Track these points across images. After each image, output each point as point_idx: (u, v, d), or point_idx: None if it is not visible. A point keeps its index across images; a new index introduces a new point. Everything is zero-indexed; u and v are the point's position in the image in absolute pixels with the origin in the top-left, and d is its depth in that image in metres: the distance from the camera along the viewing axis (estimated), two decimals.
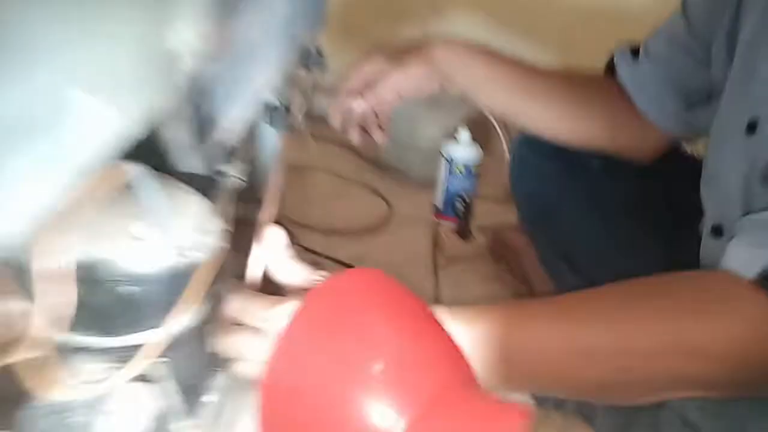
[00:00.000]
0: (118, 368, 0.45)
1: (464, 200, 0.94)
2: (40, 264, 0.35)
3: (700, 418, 0.33)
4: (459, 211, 0.93)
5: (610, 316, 0.37)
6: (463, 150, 0.96)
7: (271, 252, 0.39)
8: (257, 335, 0.36)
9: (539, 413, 0.22)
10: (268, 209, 0.47)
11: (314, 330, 0.27)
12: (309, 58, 0.65)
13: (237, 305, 0.39)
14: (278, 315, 0.34)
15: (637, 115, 0.64)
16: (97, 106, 0.25)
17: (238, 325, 0.39)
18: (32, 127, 0.21)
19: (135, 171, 0.36)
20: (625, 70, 0.64)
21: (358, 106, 0.64)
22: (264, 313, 0.35)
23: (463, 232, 0.91)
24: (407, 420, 0.21)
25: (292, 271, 0.38)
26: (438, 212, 0.99)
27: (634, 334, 0.36)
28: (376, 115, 0.66)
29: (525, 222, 0.77)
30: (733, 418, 0.32)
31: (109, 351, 0.43)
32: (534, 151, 0.73)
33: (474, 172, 0.97)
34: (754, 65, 0.48)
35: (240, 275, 0.44)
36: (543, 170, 0.72)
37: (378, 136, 0.67)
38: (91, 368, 0.44)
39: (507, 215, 0.85)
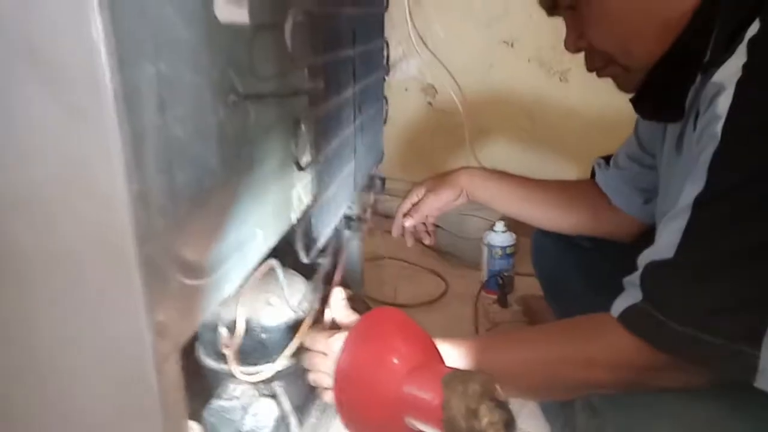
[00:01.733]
0: (254, 389, 0.71)
1: (502, 277, 1.17)
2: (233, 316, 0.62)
3: (599, 402, 0.53)
4: (499, 285, 1.16)
5: (533, 343, 0.58)
6: (500, 237, 1.20)
7: (334, 303, 0.66)
8: (323, 356, 0.61)
9: (453, 371, 0.45)
10: (337, 279, 0.74)
11: (359, 340, 0.53)
12: (373, 181, 0.94)
13: (311, 337, 0.64)
14: (335, 341, 0.59)
15: (613, 208, 0.86)
16: (260, 234, 0.52)
17: (312, 350, 0.64)
18: (244, 244, 0.49)
19: (273, 263, 0.63)
20: (600, 176, 0.87)
21: (408, 223, 0.91)
22: (326, 341, 0.61)
23: (503, 302, 1.13)
24: (405, 372, 0.46)
25: (346, 316, 0.64)
26: (484, 287, 1.21)
27: (544, 353, 0.56)
28: (425, 225, 0.94)
29: (543, 291, 0.99)
30: (623, 400, 0.52)
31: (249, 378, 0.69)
32: (545, 237, 0.96)
33: (510, 253, 1.20)
34: (667, 180, 0.69)
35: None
36: (550, 252, 0.95)
37: (426, 240, 0.95)
38: (237, 389, 0.70)
39: (538, 286, 1.06)
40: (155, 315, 0.35)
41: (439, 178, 0.91)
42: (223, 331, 0.62)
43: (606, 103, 1.31)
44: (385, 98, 0.93)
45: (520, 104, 1.50)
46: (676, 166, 0.64)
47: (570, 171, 1.44)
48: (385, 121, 0.93)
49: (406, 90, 1.62)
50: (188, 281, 0.38)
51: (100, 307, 0.35)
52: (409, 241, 0.94)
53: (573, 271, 0.91)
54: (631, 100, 0.65)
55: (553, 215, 0.89)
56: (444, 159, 1.63)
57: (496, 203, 0.91)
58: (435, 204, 0.90)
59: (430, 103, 1.62)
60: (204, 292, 0.41)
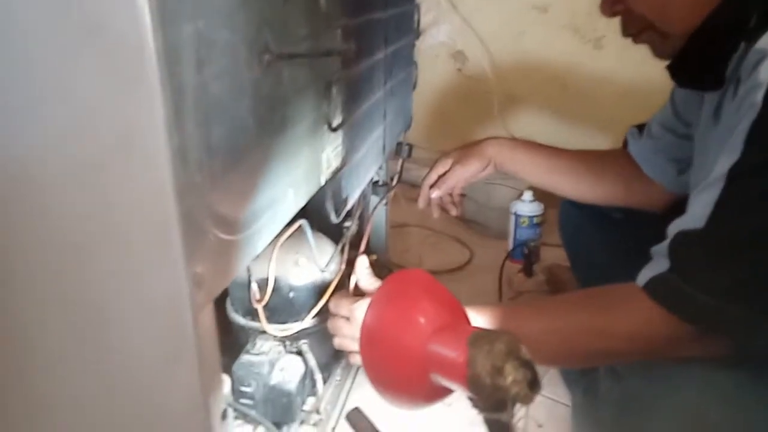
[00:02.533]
0: (281, 346, 0.74)
1: (528, 246, 1.17)
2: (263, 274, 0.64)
3: (622, 368, 0.54)
4: (525, 255, 1.16)
5: (557, 312, 0.58)
6: (527, 206, 1.20)
7: (359, 270, 0.67)
8: (346, 320, 0.63)
9: (479, 330, 0.46)
10: (363, 245, 0.75)
11: (385, 299, 0.54)
12: (400, 148, 0.94)
13: (335, 302, 0.66)
14: (359, 307, 0.60)
15: (645, 178, 0.84)
16: (291, 193, 0.54)
17: (338, 314, 0.66)
18: (275, 203, 0.50)
19: (303, 223, 0.65)
20: (633, 145, 0.86)
21: (435, 194, 0.91)
22: (351, 305, 0.62)
23: (528, 271, 1.13)
24: (431, 331, 0.47)
25: (370, 282, 0.65)
26: (509, 256, 1.21)
27: (568, 322, 0.56)
28: (451, 197, 0.93)
29: (570, 262, 0.99)
30: (645, 367, 0.53)
31: (275, 334, 0.71)
32: (573, 208, 0.95)
33: (537, 223, 1.20)
34: (703, 151, 0.67)
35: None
36: (578, 222, 0.94)
37: (453, 212, 0.95)
38: (265, 345, 0.73)
39: (564, 256, 1.06)
40: (193, 266, 0.36)
41: (466, 149, 0.90)
42: (255, 287, 0.64)
43: (641, 70, 1.27)
44: (415, 63, 0.92)
45: (552, 72, 1.47)
46: (712, 135, 0.62)
47: (602, 140, 1.41)
48: (414, 87, 0.92)
49: (435, 56, 1.60)
50: (223, 236, 0.40)
51: (142, 259, 0.36)
52: (436, 212, 0.94)
53: (601, 242, 0.91)
54: (668, 68, 0.64)
55: (583, 186, 0.88)
56: (472, 127, 1.62)
57: (524, 173, 0.90)
58: (462, 175, 0.89)
59: (459, 70, 1.60)
60: (238, 247, 0.42)
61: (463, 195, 0.95)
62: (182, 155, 0.34)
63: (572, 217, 0.96)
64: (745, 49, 0.52)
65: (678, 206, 0.84)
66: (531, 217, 1.19)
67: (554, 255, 1.20)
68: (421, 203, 0.94)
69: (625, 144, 0.89)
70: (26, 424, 0.47)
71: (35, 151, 0.36)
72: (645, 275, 0.53)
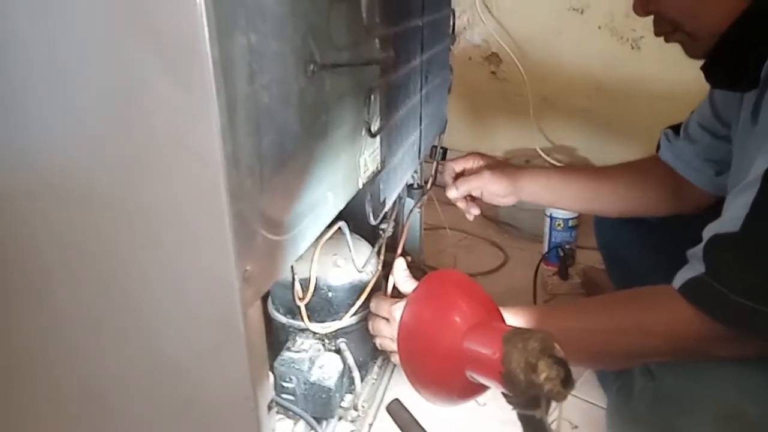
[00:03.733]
0: (320, 344, 0.76)
1: (564, 249, 1.16)
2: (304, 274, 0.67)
3: (655, 367, 0.54)
4: (560, 258, 1.15)
5: (593, 313, 0.59)
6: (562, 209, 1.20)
7: (397, 272, 0.69)
8: (386, 321, 0.65)
9: (514, 329, 0.47)
10: (399, 248, 0.77)
11: (422, 298, 0.55)
12: (435, 151, 0.96)
13: (375, 303, 0.68)
14: (398, 308, 0.62)
15: (682, 183, 0.84)
16: (331, 196, 0.56)
17: (377, 315, 0.68)
18: (317, 205, 0.52)
19: (342, 225, 0.67)
20: (667, 149, 0.85)
21: (452, 195, 0.89)
22: (390, 307, 0.64)
23: (563, 274, 1.13)
24: (466, 329, 0.48)
25: (407, 284, 0.67)
26: (544, 259, 1.21)
27: (605, 322, 0.57)
28: (472, 197, 0.90)
29: (605, 264, 0.98)
30: (679, 366, 0.53)
31: (316, 332, 0.73)
32: None
33: (572, 225, 1.20)
34: (741, 152, 0.67)
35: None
36: (613, 225, 0.93)
37: (472, 211, 0.91)
38: (305, 342, 0.75)
39: (599, 259, 1.06)
40: (243, 264, 0.39)
41: (502, 164, 0.89)
42: (298, 286, 0.67)
43: (681, 73, 1.25)
44: (450, 67, 0.93)
45: (588, 74, 1.46)
46: (750, 137, 0.62)
47: (639, 144, 1.39)
48: (449, 91, 0.93)
49: (469, 59, 1.61)
50: (270, 236, 0.42)
51: (197, 256, 0.39)
52: (461, 204, 0.92)
53: (637, 244, 0.90)
54: (702, 68, 0.63)
55: (626, 204, 0.87)
56: (507, 130, 1.62)
57: (561, 206, 0.90)
58: (484, 187, 0.86)
59: (493, 73, 1.61)
60: (283, 247, 0.45)
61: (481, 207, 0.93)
62: (235, 160, 0.37)
63: (607, 220, 0.95)
64: None
65: (715, 208, 0.84)
66: (566, 220, 1.19)
67: (589, 257, 1.19)
68: (448, 191, 0.90)
69: (659, 147, 0.88)
70: (77, 410, 0.51)
71: (90, 146, 0.39)
72: (681, 277, 0.54)
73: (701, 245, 0.53)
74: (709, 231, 0.53)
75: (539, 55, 1.51)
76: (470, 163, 0.90)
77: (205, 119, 0.35)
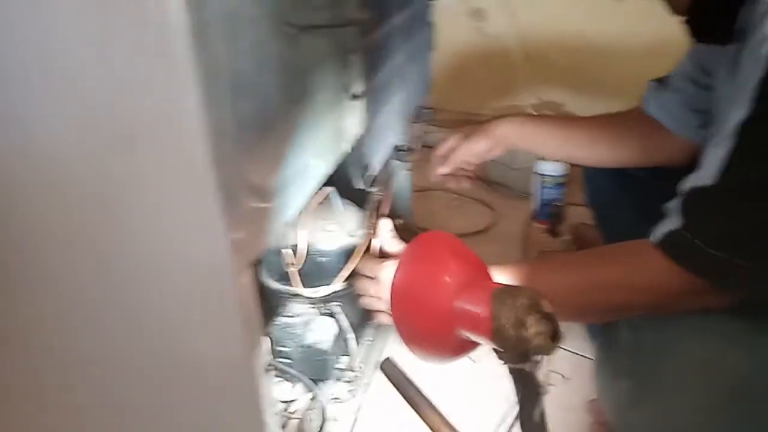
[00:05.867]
0: (314, 309, 0.77)
1: (553, 206, 1.17)
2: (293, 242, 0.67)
3: (638, 320, 0.55)
4: (549, 215, 1.16)
5: (571, 268, 0.60)
6: (551, 166, 1.20)
7: (382, 233, 0.69)
8: (372, 280, 0.66)
9: (502, 286, 0.48)
10: (384, 209, 0.77)
11: (412, 260, 0.56)
12: (420, 112, 0.95)
13: (361, 263, 0.69)
14: (383, 268, 0.63)
15: (666, 133, 0.84)
16: (316, 162, 0.56)
17: (364, 275, 0.68)
18: (302, 171, 0.52)
19: (329, 191, 0.67)
20: (652, 101, 0.85)
21: (441, 171, 0.92)
22: (376, 266, 0.65)
23: (554, 232, 1.14)
24: (456, 288, 0.49)
25: (392, 244, 0.67)
26: (534, 217, 1.22)
27: (585, 277, 0.58)
28: (464, 170, 0.93)
29: (595, 222, 0.99)
30: (661, 319, 0.54)
31: (308, 296, 0.74)
32: (596, 169, 0.95)
33: (561, 183, 1.20)
34: (722, 106, 0.67)
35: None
36: (602, 181, 0.94)
37: (464, 184, 0.95)
38: (299, 307, 0.76)
39: (589, 215, 1.07)
40: (231, 232, 0.39)
41: (475, 127, 0.90)
42: (288, 252, 0.67)
43: (667, 26, 1.24)
44: (433, 24, 0.92)
45: (575, 28, 1.44)
46: (729, 89, 0.62)
47: (627, 98, 1.38)
48: (432, 49, 0.92)
49: (453, 15, 1.58)
50: (257, 204, 0.42)
51: (186, 227, 0.39)
52: (450, 184, 0.95)
53: (625, 200, 0.91)
54: (684, 23, 0.63)
55: (601, 153, 0.87)
56: (494, 86, 1.61)
57: (540, 150, 0.91)
58: (468, 152, 0.89)
59: (478, 29, 1.58)
60: (270, 214, 0.45)
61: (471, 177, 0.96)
62: (216, 129, 0.36)
63: (596, 176, 0.96)
64: (753, 1, 0.52)
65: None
66: (555, 177, 1.19)
67: (579, 214, 1.20)
68: (433, 176, 0.95)
69: (643, 101, 0.88)
70: (72, 378, 0.51)
71: (75, 126, 0.38)
72: (659, 231, 0.54)
73: (679, 198, 0.54)
74: (686, 184, 0.53)
75: (525, 8, 1.49)
76: (451, 143, 0.91)
77: (185, 88, 0.34)
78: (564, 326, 0.45)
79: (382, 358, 0.83)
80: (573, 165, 1.19)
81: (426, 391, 0.74)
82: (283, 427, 0.69)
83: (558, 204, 1.19)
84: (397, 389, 0.55)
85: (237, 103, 0.38)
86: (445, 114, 1.22)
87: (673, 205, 0.55)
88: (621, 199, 0.92)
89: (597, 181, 0.96)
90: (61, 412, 0.53)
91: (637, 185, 0.90)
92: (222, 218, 0.38)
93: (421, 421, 0.53)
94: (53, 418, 0.54)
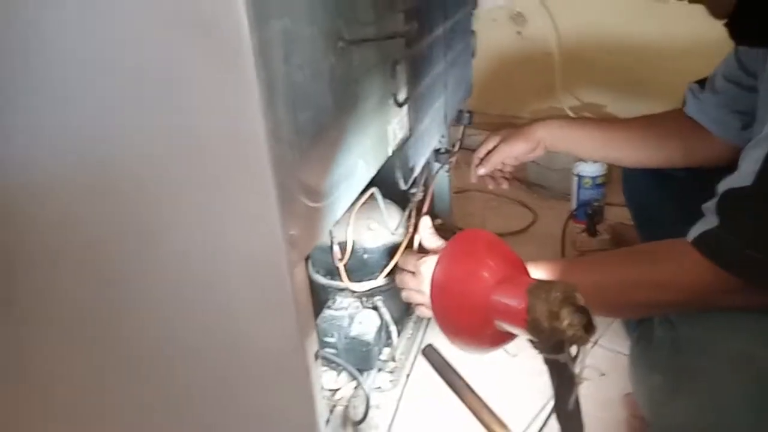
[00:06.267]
0: (358, 302, 0.81)
1: (592, 206, 1.18)
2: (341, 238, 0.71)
3: (675, 318, 0.57)
4: (588, 215, 1.17)
5: (609, 266, 0.62)
6: (590, 167, 1.20)
7: (422, 230, 0.73)
8: (412, 274, 0.69)
9: (537, 281, 0.50)
10: (426, 208, 0.81)
11: (452, 257, 0.59)
12: (461, 115, 0.98)
13: (402, 258, 0.72)
14: (423, 263, 0.66)
15: (706, 135, 0.84)
16: (363, 164, 0.59)
17: (404, 269, 0.72)
18: (350, 174, 0.56)
19: (375, 191, 0.71)
20: (693, 104, 0.85)
21: (481, 171, 0.96)
22: (416, 261, 0.68)
23: (592, 231, 1.15)
24: (494, 283, 0.52)
25: (433, 241, 0.71)
26: (573, 217, 1.23)
27: (620, 275, 0.60)
28: (502, 172, 0.98)
29: (634, 221, 1.00)
30: (697, 316, 0.55)
31: (354, 291, 0.78)
32: (636, 169, 0.96)
33: (600, 183, 1.21)
34: (765, 107, 0.67)
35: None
36: (641, 181, 0.95)
37: (504, 185, 1.00)
38: (344, 301, 0.81)
39: (628, 215, 1.07)
40: (288, 229, 0.43)
41: (515, 129, 0.93)
42: (336, 248, 0.71)
43: (708, 28, 1.23)
44: (474, 32, 0.95)
45: (615, 30, 1.44)
46: None
47: (669, 101, 1.37)
48: (473, 55, 0.95)
49: (493, 20, 1.60)
50: (310, 203, 0.46)
51: (246, 224, 0.44)
52: (489, 185, 1.00)
53: (665, 200, 0.91)
54: (726, 25, 0.64)
55: (641, 154, 0.88)
56: (533, 91, 1.62)
57: (579, 151, 0.93)
58: (507, 154, 0.93)
59: (518, 33, 1.59)
60: (322, 213, 0.49)
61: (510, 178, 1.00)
62: (276, 136, 0.40)
63: (635, 176, 0.96)
64: None
65: None
66: (594, 177, 1.20)
67: (618, 214, 1.20)
68: (473, 177, 0.99)
69: (685, 103, 0.89)
70: (130, 367, 0.56)
71: (156, 134, 0.43)
72: (695, 231, 0.56)
73: (715, 199, 0.55)
74: (723, 185, 0.55)
75: (564, 12, 1.50)
76: (490, 144, 0.95)
77: (248, 100, 0.39)
78: (602, 323, 0.47)
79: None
80: (612, 165, 1.20)
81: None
82: (330, 413, 0.73)
83: (597, 204, 1.20)
84: (438, 374, 0.58)
85: (294, 113, 0.42)
86: (484, 117, 1.24)
87: (710, 205, 0.56)
88: (660, 199, 0.92)
89: (636, 181, 0.97)
90: (134, 400, 0.59)
91: (676, 185, 0.90)
92: (280, 216, 0.42)
93: (461, 404, 0.56)
94: (128, 404, 0.59)
